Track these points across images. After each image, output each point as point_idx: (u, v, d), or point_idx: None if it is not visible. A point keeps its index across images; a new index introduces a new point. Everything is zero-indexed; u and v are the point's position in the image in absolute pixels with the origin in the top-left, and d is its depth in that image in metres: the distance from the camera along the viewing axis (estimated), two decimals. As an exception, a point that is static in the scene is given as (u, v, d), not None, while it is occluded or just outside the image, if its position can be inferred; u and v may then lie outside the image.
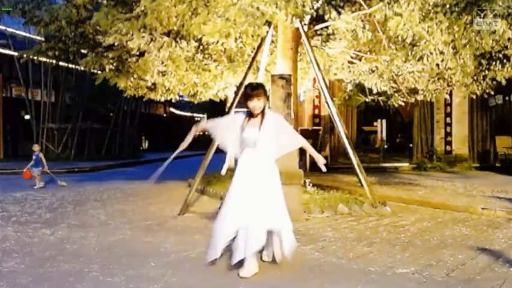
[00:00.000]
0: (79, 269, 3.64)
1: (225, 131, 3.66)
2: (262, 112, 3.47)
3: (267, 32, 6.63)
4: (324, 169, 3.70)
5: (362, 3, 6.60)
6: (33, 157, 9.57)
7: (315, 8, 6.32)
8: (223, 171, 4.05)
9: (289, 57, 6.93)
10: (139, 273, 3.52)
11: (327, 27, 7.17)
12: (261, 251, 3.66)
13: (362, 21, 6.99)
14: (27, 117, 19.63)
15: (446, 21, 6.08)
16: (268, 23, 6.48)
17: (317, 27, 7.39)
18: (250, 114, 3.51)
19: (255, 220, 3.32)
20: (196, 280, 3.38)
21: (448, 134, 14.07)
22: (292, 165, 5.57)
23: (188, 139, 3.65)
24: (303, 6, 5.34)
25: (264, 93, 3.46)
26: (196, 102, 10.82)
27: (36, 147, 9.71)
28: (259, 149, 3.44)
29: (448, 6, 6.03)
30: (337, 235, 4.88)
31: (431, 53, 6.86)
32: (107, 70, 8.16)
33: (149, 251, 4.20)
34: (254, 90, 3.43)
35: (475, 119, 14.12)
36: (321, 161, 3.67)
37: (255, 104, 3.41)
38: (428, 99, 9.36)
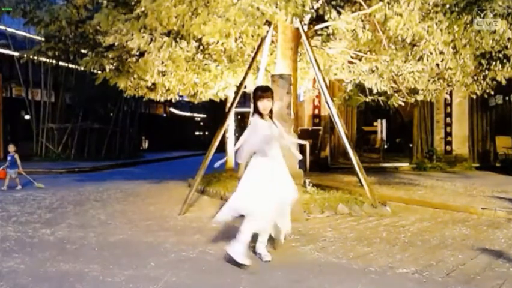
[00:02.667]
0: (79, 269, 3.64)
1: (251, 137, 3.79)
2: (270, 112, 3.80)
3: (267, 32, 6.63)
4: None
5: (362, 3, 6.59)
6: (8, 158, 9.36)
7: (315, 8, 6.33)
8: (217, 165, 4.38)
9: (289, 57, 6.92)
10: (139, 273, 3.52)
11: (327, 27, 7.17)
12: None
13: (362, 21, 6.98)
14: (27, 117, 19.63)
15: (446, 21, 6.08)
16: (268, 23, 6.48)
17: (317, 27, 7.39)
18: (260, 115, 3.76)
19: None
20: (196, 280, 3.39)
21: (448, 134, 14.07)
22: (292, 165, 5.57)
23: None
24: (303, 6, 5.34)
25: (272, 95, 3.82)
26: (196, 102, 10.82)
27: (11, 148, 9.47)
28: (278, 143, 3.86)
29: (447, 6, 6.03)
30: (337, 235, 4.88)
31: (431, 53, 6.86)
32: (107, 70, 8.14)
33: (149, 251, 4.21)
34: (265, 92, 3.78)
35: (475, 119, 14.11)
36: (298, 157, 4.30)
37: (265, 104, 3.72)
38: (428, 99, 9.34)
